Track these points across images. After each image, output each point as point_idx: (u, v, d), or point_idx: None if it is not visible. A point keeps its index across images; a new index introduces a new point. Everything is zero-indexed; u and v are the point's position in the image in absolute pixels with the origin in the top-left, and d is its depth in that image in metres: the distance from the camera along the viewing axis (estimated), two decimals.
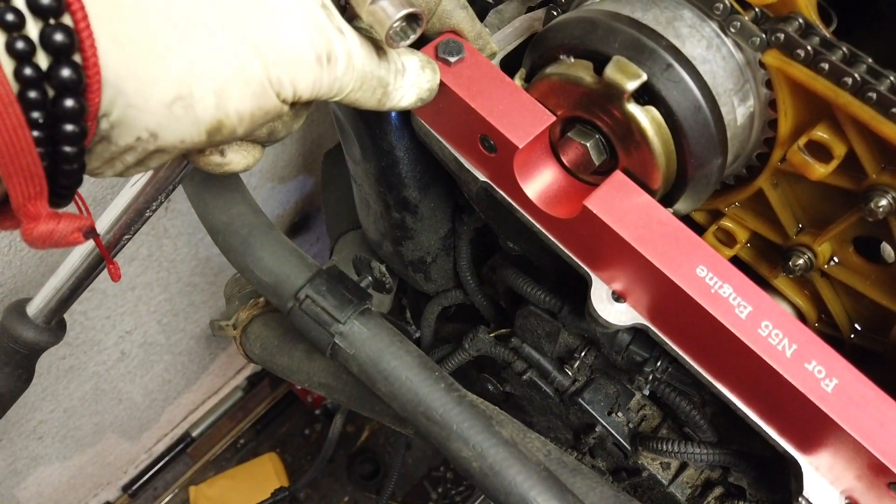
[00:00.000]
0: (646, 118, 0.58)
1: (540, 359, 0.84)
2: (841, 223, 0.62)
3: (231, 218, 0.67)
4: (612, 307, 0.65)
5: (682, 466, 0.79)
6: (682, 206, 0.65)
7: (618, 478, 0.84)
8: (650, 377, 0.71)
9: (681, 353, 0.63)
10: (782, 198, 0.65)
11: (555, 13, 0.68)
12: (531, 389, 0.88)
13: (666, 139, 0.59)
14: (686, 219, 0.73)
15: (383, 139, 0.78)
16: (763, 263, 0.71)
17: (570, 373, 0.81)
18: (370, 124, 0.78)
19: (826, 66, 0.54)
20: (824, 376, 0.56)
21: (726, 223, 0.70)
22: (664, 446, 0.75)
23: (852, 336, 0.69)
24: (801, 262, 0.66)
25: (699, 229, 0.73)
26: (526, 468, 0.60)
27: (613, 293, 0.65)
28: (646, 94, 0.58)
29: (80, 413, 1.87)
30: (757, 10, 0.57)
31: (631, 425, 0.81)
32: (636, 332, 0.69)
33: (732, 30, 0.57)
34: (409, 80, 0.58)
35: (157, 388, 2.14)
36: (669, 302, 0.60)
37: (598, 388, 0.82)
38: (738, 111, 0.59)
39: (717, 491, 0.77)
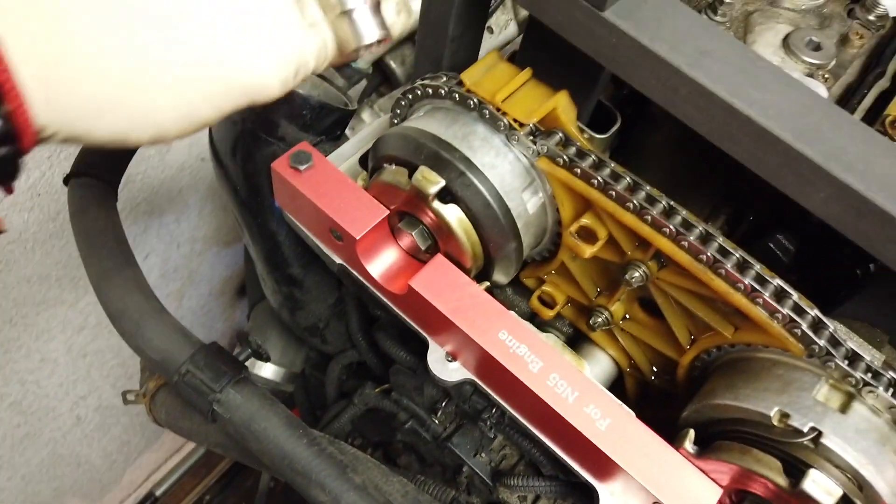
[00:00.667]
0: (449, 214, 0.72)
1: (416, 409, 0.96)
2: (624, 288, 0.76)
3: (125, 305, 0.80)
4: (447, 366, 0.78)
5: (537, 498, 0.91)
6: (498, 277, 0.79)
7: None
8: (488, 422, 0.83)
9: (500, 401, 0.76)
10: (580, 268, 0.79)
11: (395, 121, 0.83)
12: (415, 437, 1.00)
13: (468, 229, 0.73)
14: (516, 284, 0.87)
15: (265, 226, 0.92)
16: (581, 321, 0.85)
17: (436, 420, 0.93)
18: (254, 213, 0.92)
19: (579, 170, 0.68)
20: (600, 417, 0.69)
21: (546, 288, 0.84)
22: (514, 481, 0.87)
23: (653, 378, 0.82)
24: (600, 319, 0.79)
25: (529, 293, 0.86)
26: None
27: (447, 354, 0.78)
28: (448, 195, 0.72)
29: (38, 479, 1.94)
30: (531, 125, 0.71)
31: (492, 464, 0.93)
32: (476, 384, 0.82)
33: (514, 142, 0.71)
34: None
35: (117, 450, 2.21)
36: (482, 361, 0.73)
37: (465, 433, 0.94)
38: (528, 203, 0.74)
39: None
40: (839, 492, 0.59)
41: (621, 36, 0.61)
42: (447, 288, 0.73)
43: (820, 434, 0.60)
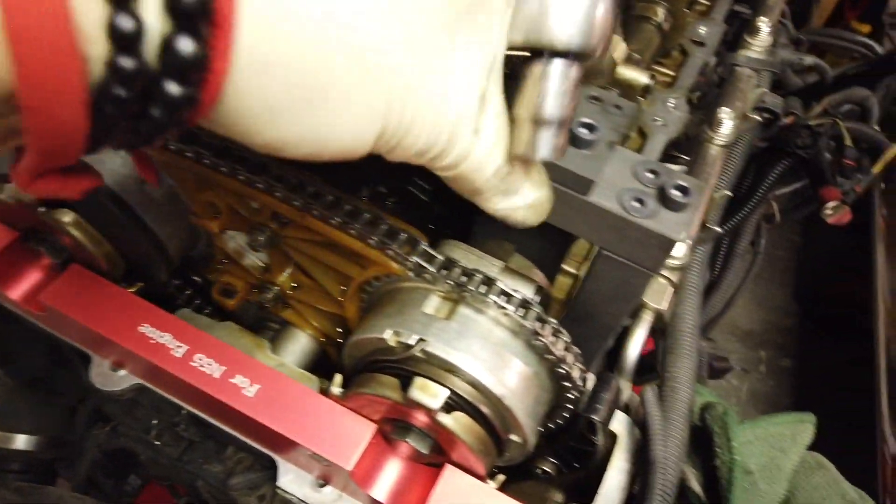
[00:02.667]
0: (70, 224, 0.71)
1: (143, 436, 0.92)
2: (274, 259, 0.77)
3: None
4: (113, 376, 0.75)
5: (274, 494, 0.88)
6: (154, 273, 0.78)
7: None
8: (181, 425, 0.81)
9: (173, 399, 0.74)
10: (238, 250, 0.79)
11: None
12: (158, 467, 0.96)
13: (88, 231, 0.71)
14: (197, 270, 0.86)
15: None
16: (267, 307, 0.84)
17: (158, 443, 0.89)
18: None
19: (174, 148, 0.69)
20: (247, 385, 0.68)
21: (223, 279, 0.83)
22: (236, 480, 0.84)
23: (340, 339, 0.83)
24: (270, 294, 0.80)
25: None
26: None
27: (111, 365, 0.76)
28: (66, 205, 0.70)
29: None
30: None
31: (227, 472, 0.90)
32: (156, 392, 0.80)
33: None
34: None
35: None
36: (136, 359, 0.72)
37: (195, 448, 0.91)
38: (155, 194, 0.73)
39: None
40: (445, 392, 0.61)
41: None
42: (83, 296, 0.72)
43: (425, 342, 0.62)
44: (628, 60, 0.95)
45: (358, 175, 0.86)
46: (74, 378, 1.03)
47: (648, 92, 0.88)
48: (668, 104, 0.99)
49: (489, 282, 0.65)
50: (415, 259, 0.65)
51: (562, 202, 0.56)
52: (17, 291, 0.75)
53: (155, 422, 0.88)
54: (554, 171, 0.55)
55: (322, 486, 0.72)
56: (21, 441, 1.15)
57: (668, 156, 0.93)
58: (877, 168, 1.24)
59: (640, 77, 0.92)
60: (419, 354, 0.63)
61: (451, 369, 0.62)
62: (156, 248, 0.75)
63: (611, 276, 0.60)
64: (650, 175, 0.57)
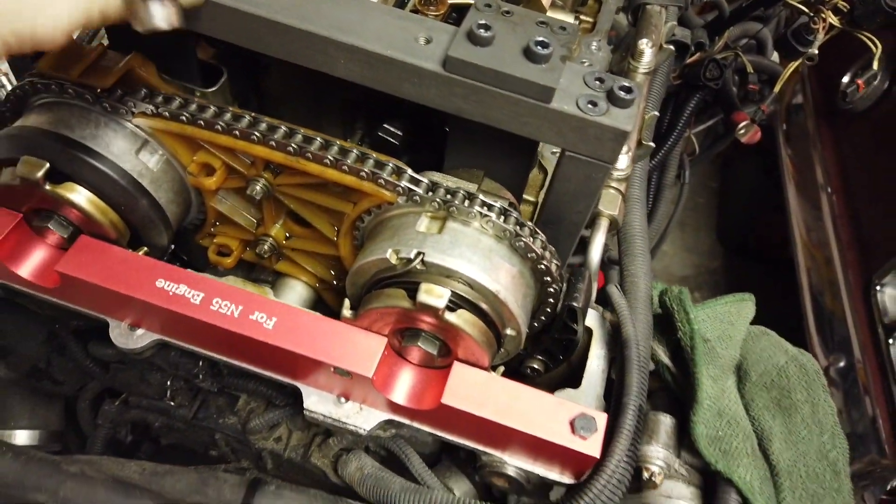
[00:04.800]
0: (75, 195, 0.76)
1: (156, 403, 0.97)
2: (267, 210, 0.84)
3: None
4: (132, 335, 0.81)
5: (290, 433, 0.96)
6: (155, 239, 0.83)
7: (259, 467, 0.99)
8: (200, 376, 0.87)
9: (192, 348, 0.81)
10: (231, 209, 0.86)
11: None
12: (171, 432, 1.01)
13: (96, 202, 0.77)
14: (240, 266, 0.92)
15: None
16: (264, 260, 0.91)
17: (173, 404, 0.95)
18: None
19: (168, 113, 0.75)
20: (265, 319, 0.76)
21: (217, 240, 0.90)
22: (255, 423, 0.91)
23: (337, 282, 0.91)
24: (266, 246, 0.87)
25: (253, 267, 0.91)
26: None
27: (129, 325, 0.81)
28: (61, 175, 0.75)
29: None
30: (118, 91, 0.77)
31: (242, 422, 0.96)
32: (172, 348, 0.86)
33: (109, 110, 0.76)
34: None
35: None
36: (156, 315, 0.78)
37: (208, 405, 0.97)
38: (149, 162, 0.79)
39: (319, 439, 0.94)
40: (447, 292, 0.70)
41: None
42: (97, 262, 0.77)
43: (423, 254, 0.71)
44: (552, 6, 1.07)
45: (332, 125, 0.94)
46: (73, 366, 1.07)
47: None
48: (592, 47, 1.11)
49: (471, 197, 0.75)
50: (403, 184, 0.73)
51: (528, 113, 0.66)
52: (28, 269, 0.80)
53: (170, 382, 0.94)
54: (518, 85, 0.65)
55: (343, 402, 0.80)
56: (22, 437, 1.18)
57: None
58: (777, 88, 1.40)
59: (567, 18, 1.03)
60: (419, 266, 0.72)
61: (449, 274, 0.72)
62: (156, 213, 0.80)
63: (575, 175, 0.71)
64: (598, 82, 0.67)
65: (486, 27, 0.67)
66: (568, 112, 0.65)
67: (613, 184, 0.93)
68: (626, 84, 0.66)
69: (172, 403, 0.96)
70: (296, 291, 0.93)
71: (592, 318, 0.89)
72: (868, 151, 1.93)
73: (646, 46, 1.05)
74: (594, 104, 0.65)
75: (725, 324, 0.92)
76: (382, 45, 0.67)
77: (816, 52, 1.34)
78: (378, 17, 0.69)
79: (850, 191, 1.91)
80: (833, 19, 1.33)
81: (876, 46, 1.28)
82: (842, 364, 2.00)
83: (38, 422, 1.18)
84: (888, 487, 1.72)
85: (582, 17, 1.18)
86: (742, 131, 1.43)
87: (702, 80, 1.53)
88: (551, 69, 0.65)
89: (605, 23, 1.14)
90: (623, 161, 0.93)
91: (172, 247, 0.89)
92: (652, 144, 1.01)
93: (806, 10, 1.37)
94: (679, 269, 3.37)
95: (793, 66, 1.38)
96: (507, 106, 0.66)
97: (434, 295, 0.70)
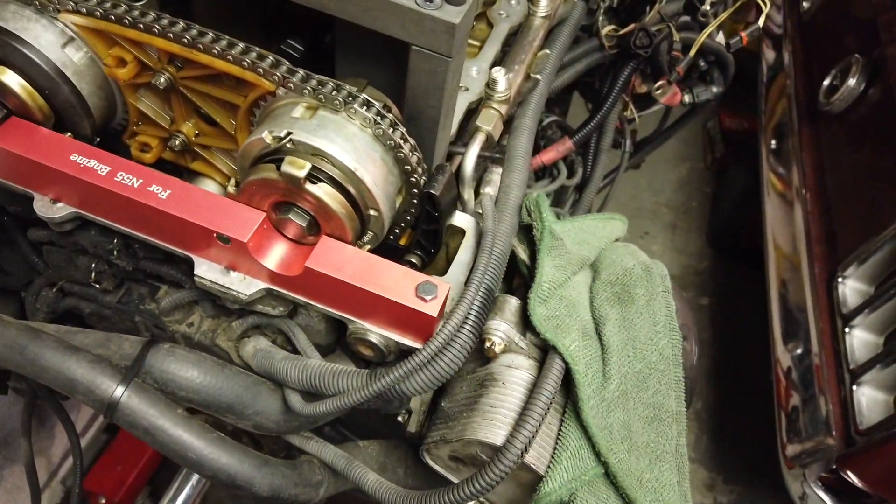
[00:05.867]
0: (9, 80, 0.88)
1: (85, 290, 1.09)
2: (177, 107, 0.96)
3: None
4: (53, 207, 0.93)
5: (198, 320, 1.07)
6: (79, 127, 0.96)
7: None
8: (114, 252, 0.99)
9: (102, 220, 0.93)
10: (148, 107, 0.98)
11: None
12: (101, 320, 1.13)
13: (24, 86, 0.89)
14: (120, 142, 1.04)
15: None
16: (180, 158, 1.03)
17: (99, 287, 1.07)
18: None
19: (85, 9, 0.87)
20: (161, 191, 0.88)
21: (139, 138, 1.02)
22: (165, 304, 1.03)
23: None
24: (178, 141, 0.99)
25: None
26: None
27: (51, 199, 0.93)
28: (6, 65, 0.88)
29: None
30: None
31: (158, 309, 1.08)
32: (92, 226, 0.97)
33: (42, 8, 0.89)
34: None
35: None
36: (71, 187, 0.90)
37: (131, 293, 1.09)
38: (74, 57, 0.91)
39: (225, 324, 1.06)
40: (308, 164, 0.81)
41: None
42: (24, 138, 0.89)
43: (292, 134, 0.83)
44: None
45: (238, 36, 1.06)
46: (19, 257, 1.19)
47: None
48: (511, 1, 1.23)
49: (339, 88, 0.86)
50: (280, 73, 0.85)
51: (375, 7, 0.78)
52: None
53: (94, 265, 1.06)
54: None
55: (230, 272, 0.91)
56: None
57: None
58: (691, 52, 1.50)
59: None
60: (289, 146, 0.83)
61: (315, 153, 0.83)
62: (77, 100, 0.93)
63: (423, 69, 0.82)
64: None
65: None
66: (405, 5, 0.76)
67: (494, 105, 1.05)
68: None
69: (98, 286, 1.08)
70: (208, 188, 1.05)
71: (466, 221, 1.00)
72: (843, 151, 2.02)
73: None
74: (431, 0, 0.77)
75: (586, 233, 1.02)
76: None
77: (709, 7, 1.44)
78: None
79: (824, 188, 1.99)
80: None
81: (765, 4, 1.37)
82: (799, 351, 2.08)
83: None
84: (831, 466, 1.77)
85: None
86: (658, 91, 1.53)
87: (634, 49, 1.63)
88: None
89: None
90: (501, 83, 1.04)
91: (98, 140, 1.02)
92: (539, 77, 1.12)
93: None
94: (667, 269, 3.46)
95: (706, 32, 1.48)
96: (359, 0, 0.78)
97: (296, 166, 0.81)
